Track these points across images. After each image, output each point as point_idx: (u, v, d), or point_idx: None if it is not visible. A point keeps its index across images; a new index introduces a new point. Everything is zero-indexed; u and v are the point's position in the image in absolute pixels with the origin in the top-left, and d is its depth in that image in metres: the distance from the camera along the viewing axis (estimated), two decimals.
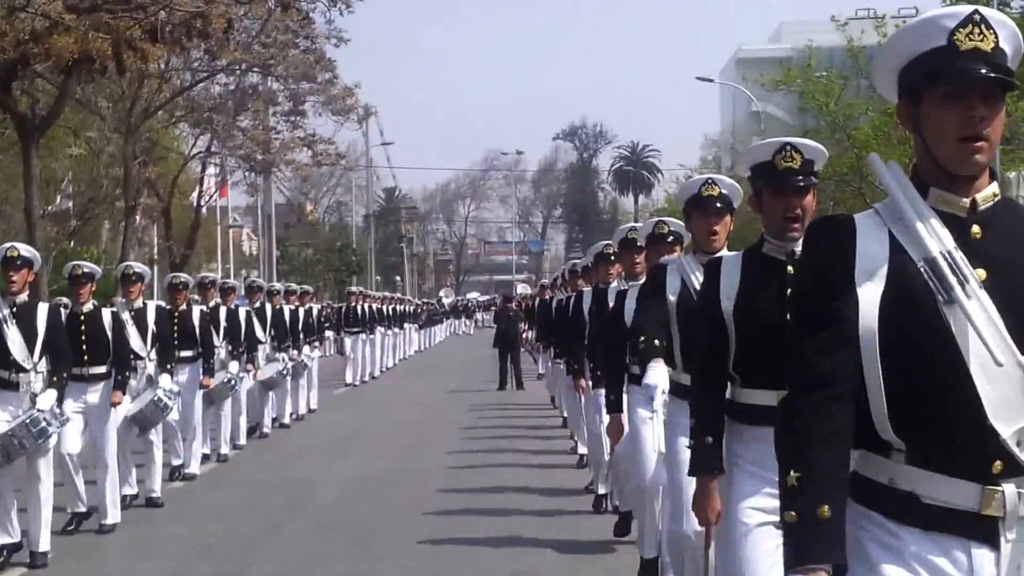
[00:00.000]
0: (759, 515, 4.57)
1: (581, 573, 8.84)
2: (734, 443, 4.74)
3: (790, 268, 4.67)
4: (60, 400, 9.33)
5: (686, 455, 5.33)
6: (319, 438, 18.04)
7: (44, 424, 9.06)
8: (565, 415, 15.95)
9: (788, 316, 4.41)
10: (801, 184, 4.71)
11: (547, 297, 24.03)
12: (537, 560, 9.24)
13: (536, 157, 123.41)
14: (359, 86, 32.66)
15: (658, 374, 5.91)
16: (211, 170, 39.67)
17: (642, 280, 7.60)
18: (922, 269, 2.85)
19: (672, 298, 6.00)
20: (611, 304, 8.46)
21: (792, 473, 2.86)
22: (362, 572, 9.13)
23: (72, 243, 35.04)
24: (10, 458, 9.02)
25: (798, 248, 4.64)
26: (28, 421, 9.01)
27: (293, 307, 20.04)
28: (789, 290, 4.56)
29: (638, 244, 8.02)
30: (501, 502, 11.73)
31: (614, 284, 9.24)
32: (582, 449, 13.40)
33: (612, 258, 9.51)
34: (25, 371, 9.25)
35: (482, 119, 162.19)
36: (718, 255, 5.46)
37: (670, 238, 7.13)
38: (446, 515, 11.19)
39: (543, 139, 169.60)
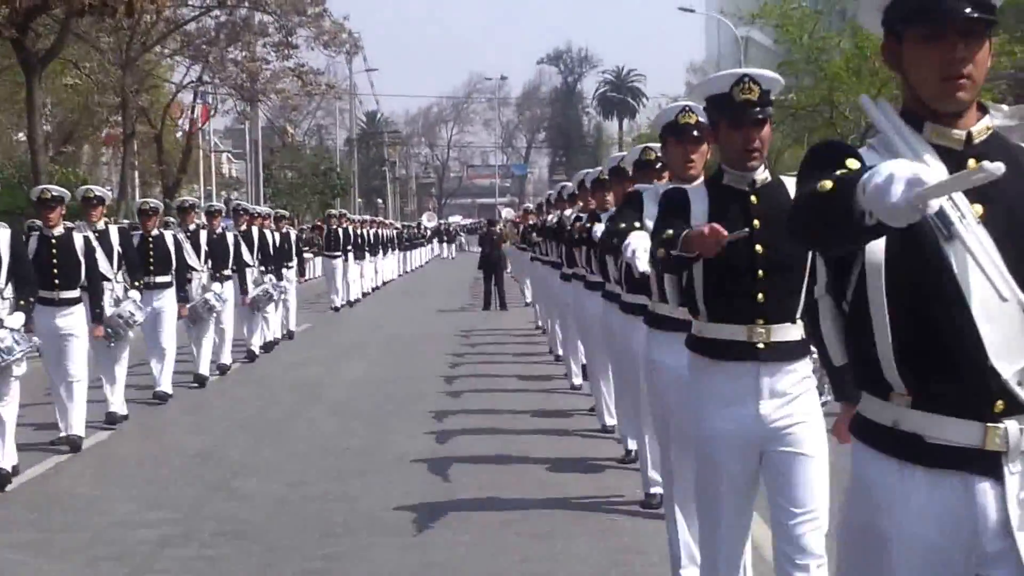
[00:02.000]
0: (727, 449, 4.59)
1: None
2: (702, 377, 4.71)
3: (753, 198, 4.65)
4: (27, 323, 9.30)
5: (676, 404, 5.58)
6: (317, 350, 18.81)
7: (11, 343, 9.00)
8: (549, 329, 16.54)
9: (756, 248, 4.53)
10: (760, 116, 4.63)
11: (530, 221, 24.18)
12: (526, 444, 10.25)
13: (520, 81, 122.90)
14: (347, 18, 32.99)
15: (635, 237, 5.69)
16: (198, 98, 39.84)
17: None
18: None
19: (649, 223, 5.66)
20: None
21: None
22: (377, 442, 10.72)
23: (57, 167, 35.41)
24: None
25: (758, 177, 4.68)
26: None
27: (271, 231, 19.81)
28: (756, 220, 4.56)
29: (629, 173, 7.85)
30: (494, 402, 12.89)
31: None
32: (575, 378, 13.65)
33: (605, 185, 9.28)
34: None
35: (465, 42, 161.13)
36: (684, 185, 5.30)
37: (658, 164, 7.01)
38: (449, 398, 13.22)
39: (527, 63, 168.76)
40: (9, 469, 9.38)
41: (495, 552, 7.19)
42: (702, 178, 5.60)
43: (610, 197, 8.99)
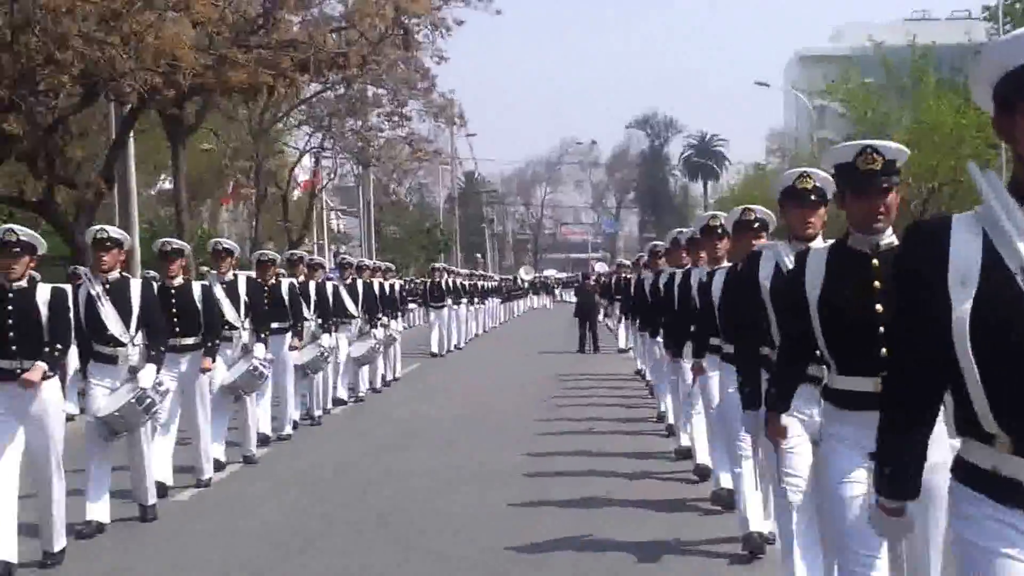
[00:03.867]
0: (858, 487, 4.56)
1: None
2: (832, 425, 4.71)
3: (875, 260, 4.65)
4: (157, 372, 9.31)
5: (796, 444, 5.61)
6: (420, 394, 19.42)
7: (149, 401, 9.08)
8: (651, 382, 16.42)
9: (877, 307, 4.59)
10: (884, 186, 4.62)
11: (624, 276, 25.50)
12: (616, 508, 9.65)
13: (610, 144, 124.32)
14: (453, 92, 35.40)
15: (753, 423, 5.99)
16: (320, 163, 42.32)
17: (724, 265, 8.05)
18: (1018, 278, 2.79)
19: (766, 283, 5.98)
20: (695, 287, 8.93)
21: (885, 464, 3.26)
22: (480, 494, 10.49)
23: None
24: (116, 434, 9.06)
25: (883, 241, 4.69)
26: (135, 399, 8.97)
27: (378, 282, 20.10)
28: (876, 282, 4.62)
29: (719, 232, 8.32)
30: (588, 443, 13.02)
31: (699, 268, 9.31)
32: (670, 418, 13.16)
33: (698, 243, 9.40)
34: (123, 345, 9.20)
35: (558, 106, 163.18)
36: (807, 247, 5.38)
37: (756, 224, 7.12)
38: (546, 437, 13.58)
39: (616, 127, 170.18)
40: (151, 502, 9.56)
41: None
42: (820, 238, 5.78)
43: (703, 254, 9.19)
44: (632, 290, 19.29)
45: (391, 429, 15.27)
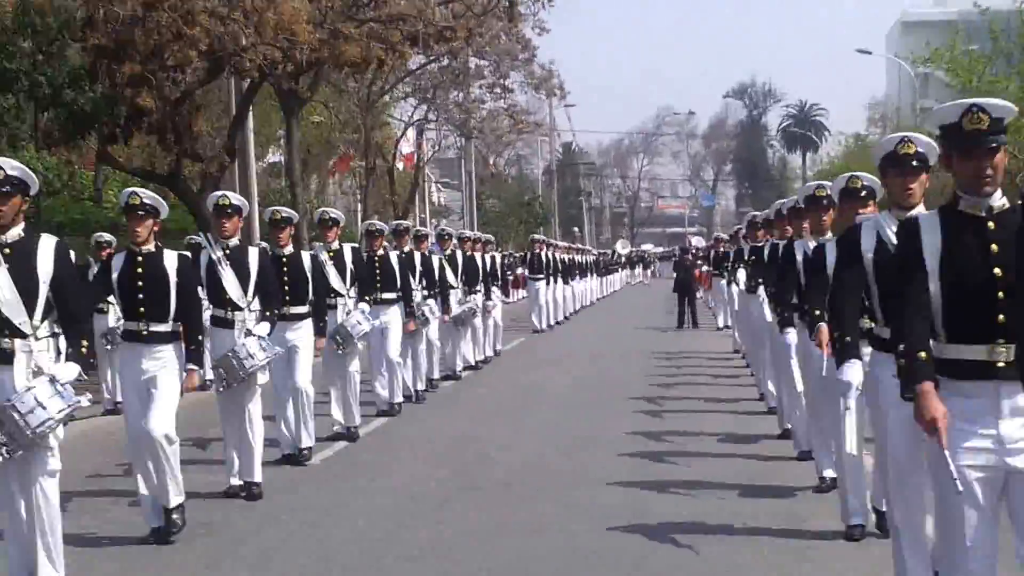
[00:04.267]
0: (970, 471, 4.47)
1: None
2: (947, 400, 4.49)
3: (990, 224, 4.56)
4: (270, 333, 9.41)
5: (893, 423, 5.62)
6: (523, 367, 19.74)
7: (257, 349, 9.14)
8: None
9: (995, 271, 4.52)
10: (991, 146, 4.52)
11: (721, 249, 25.61)
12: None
13: (707, 114, 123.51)
14: (553, 63, 35.94)
15: (854, 371, 6.04)
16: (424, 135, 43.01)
17: (829, 236, 7.92)
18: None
19: (869, 255, 5.89)
20: (800, 259, 8.60)
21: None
22: (574, 461, 10.96)
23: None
24: (229, 384, 9.16)
25: (995, 203, 4.60)
26: (231, 353, 9.13)
27: (480, 254, 20.01)
28: (993, 245, 4.55)
29: (824, 202, 8.12)
30: (688, 423, 12.96)
31: (804, 239, 8.90)
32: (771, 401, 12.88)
33: (800, 213, 9.07)
34: (240, 309, 9.43)
35: (655, 78, 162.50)
36: (914, 214, 5.33)
37: (863, 192, 6.93)
38: (645, 416, 13.58)
39: (714, 97, 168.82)
40: (258, 480, 9.46)
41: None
42: (922, 206, 5.73)
43: (806, 225, 8.88)
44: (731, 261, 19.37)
45: (500, 400, 15.72)
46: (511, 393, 16.50)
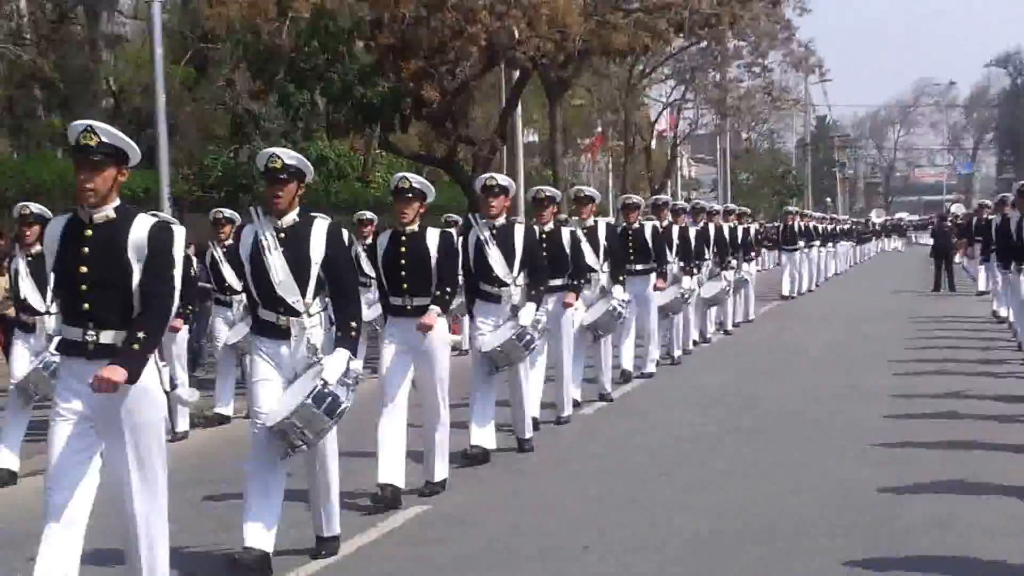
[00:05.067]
0: None
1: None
2: None
3: None
4: (536, 311, 9.68)
5: None
6: (778, 332, 20.17)
7: (528, 338, 9.56)
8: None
9: None
10: None
11: (985, 217, 25.13)
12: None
13: (967, 84, 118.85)
14: (812, 41, 36.01)
15: None
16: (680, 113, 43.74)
17: None
18: None
19: None
20: None
21: None
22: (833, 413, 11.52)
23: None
24: (498, 369, 9.61)
25: None
26: (516, 336, 9.45)
27: (731, 226, 20.21)
28: None
29: None
30: (949, 384, 12.95)
31: None
32: None
33: None
34: (506, 285, 9.63)
35: (913, 48, 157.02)
36: None
37: None
38: (905, 378, 13.80)
39: (975, 67, 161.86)
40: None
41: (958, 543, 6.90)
42: None
43: None
44: (994, 231, 19.23)
45: (758, 358, 16.53)
46: (768, 352, 17.28)
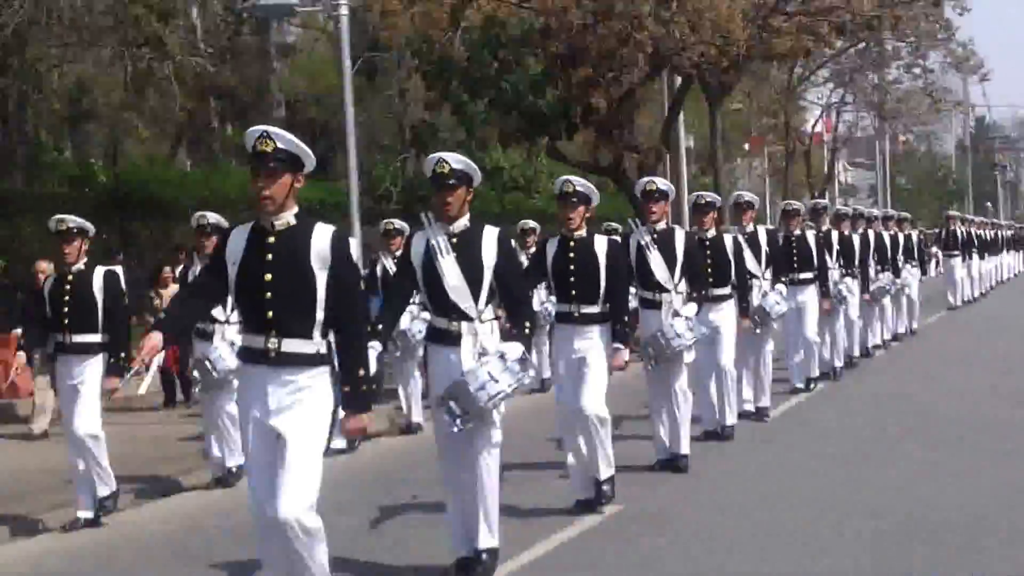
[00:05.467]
0: None
1: None
2: None
3: None
4: (697, 313, 9.63)
5: None
6: (941, 345, 19.64)
7: (683, 328, 9.37)
8: None
9: None
10: None
11: None
12: None
13: None
14: (972, 40, 35.32)
15: None
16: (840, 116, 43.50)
17: None
18: None
19: None
20: None
21: None
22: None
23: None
24: (658, 361, 9.48)
25: None
26: (671, 323, 9.37)
27: (892, 233, 19.50)
28: None
29: None
30: None
31: None
32: None
33: None
34: (667, 291, 9.57)
35: None
36: None
37: None
38: None
39: None
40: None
41: None
42: None
43: None
44: None
45: (928, 365, 16.46)
46: (938, 359, 17.15)
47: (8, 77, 19.17)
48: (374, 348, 6.28)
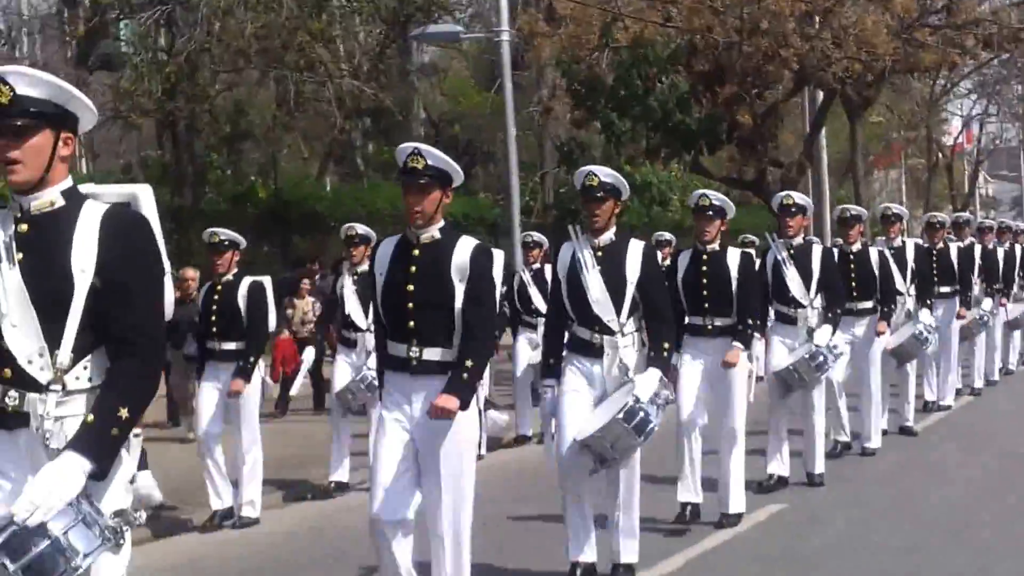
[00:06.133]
0: None
1: None
2: None
3: None
4: (832, 334, 9.43)
5: None
6: None
7: (822, 359, 9.23)
8: None
9: None
10: None
11: None
12: None
13: None
14: None
15: None
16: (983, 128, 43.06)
17: None
18: None
19: None
20: None
21: None
22: None
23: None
24: (791, 390, 9.35)
25: None
26: (808, 356, 9.21)
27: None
28: None
29: None
30: None
31: None
32: None
33: None
34: (803, 307, 9.45)
35: None
36: None
37: None
38: None
39: None
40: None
41: None
42: None
43: None
44: None
45: None
46: None
47: (179, 100, 20.21)
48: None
